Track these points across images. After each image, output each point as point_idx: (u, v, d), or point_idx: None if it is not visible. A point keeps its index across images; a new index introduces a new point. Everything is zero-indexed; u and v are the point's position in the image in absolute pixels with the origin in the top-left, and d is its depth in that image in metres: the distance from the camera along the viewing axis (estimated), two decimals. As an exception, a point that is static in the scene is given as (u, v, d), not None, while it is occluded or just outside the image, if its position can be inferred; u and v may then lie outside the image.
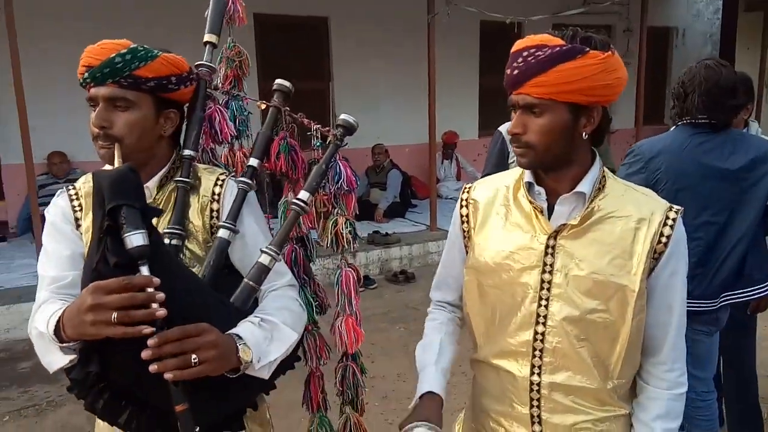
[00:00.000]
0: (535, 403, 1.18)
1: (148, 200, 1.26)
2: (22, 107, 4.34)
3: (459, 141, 7.87)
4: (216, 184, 1.30)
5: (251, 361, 1.08)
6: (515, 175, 1.25)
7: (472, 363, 1.34)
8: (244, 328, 1.12)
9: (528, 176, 1.20)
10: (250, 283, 1.21)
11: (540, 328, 1.16)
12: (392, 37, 7.49)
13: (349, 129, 1.38)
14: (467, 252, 1.29)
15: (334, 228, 1.49)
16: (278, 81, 1.43)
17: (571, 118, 1.09)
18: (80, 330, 0.97)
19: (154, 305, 0.93)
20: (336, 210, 1.50)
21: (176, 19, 5.35)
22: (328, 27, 7.46)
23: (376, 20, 7.41)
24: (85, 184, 1.29)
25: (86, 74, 1.19)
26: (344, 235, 1.49)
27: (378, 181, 6.95)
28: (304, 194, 1.32)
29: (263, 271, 1.22)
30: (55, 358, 1.08)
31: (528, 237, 1.18)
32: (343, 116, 1.37)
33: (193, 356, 0.97)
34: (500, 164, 2.83)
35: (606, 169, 1.19)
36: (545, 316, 1.16)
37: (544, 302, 1.16)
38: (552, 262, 1.15)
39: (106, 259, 0.95)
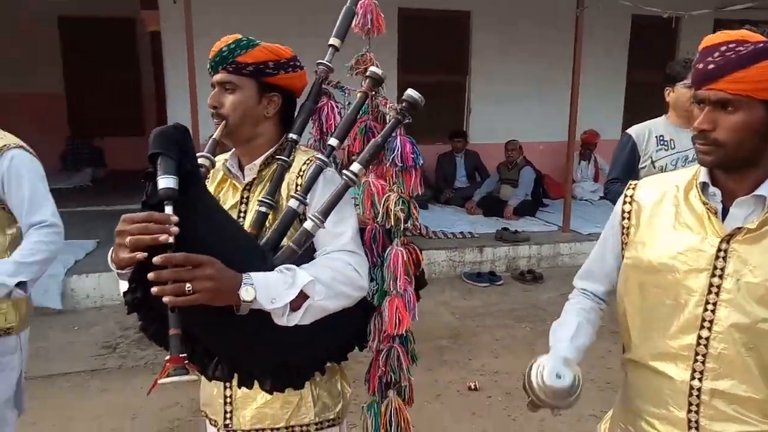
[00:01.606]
0: (693, 408, 1.15)
1: (253, 176, 1.43)
2: (194, 100, 4.87)
3: (599, 141, 7.53)
4: (304, 163, 1.41)
5: (253, 301, 1.13)
6: (687, 174, 1.23)
7: (624, 363, 1.32)
8: (260, 273, 1.17)
9: (703, 176, 1.16)
10: (292, 245, 1.27)
11: (704, 333, 1.13)
12: (536, 31, 7.32)
13: (413, 104, 1.33)
14: (623, 249, 1.28)
15: (385, 203, 1.48)
16: (371, 69, 1.47)
17: (766, 116, 1.05)
18: (115, 254, 1.10)
19: (163, 235, 1.02)
20: (394, 186, 1.48)
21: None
22: (470, 21, 7.46)
23: (520, 14, 7.28)
24: (221, 162, 1.50)
25: (208, 65, 1.42)
26: (393, 212, 1.46)
27: (509, 177, 6.85)
28: (355, 166, 1.31)
29: (305, 236, 1.27)
30: (120, 285, 1.22)
31: (698, 239, 1.14)
32: (408, 91, 1.33)
33: (187, 285, 1.03)
34: (629, 170, 2.69)
35: None
36: (711, 321, 1.12)
37: (710, 306, 1.12)
38: (723, 266, 1.11)
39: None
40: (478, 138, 7.57)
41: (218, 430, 1.48)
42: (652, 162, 2.69)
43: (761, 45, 1.02)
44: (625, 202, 1.29)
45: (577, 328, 1.32)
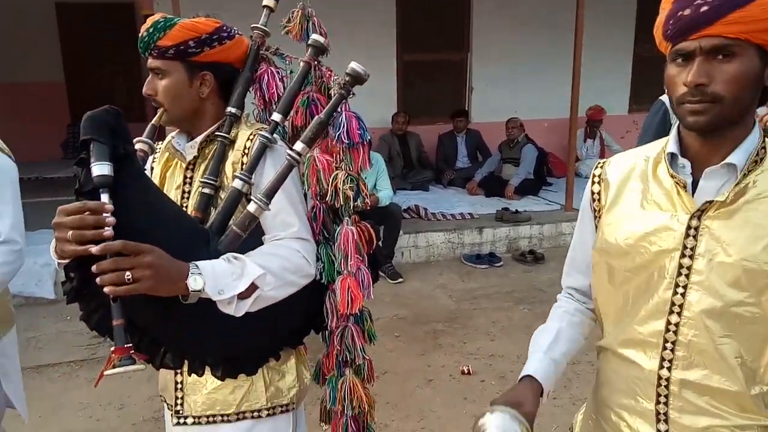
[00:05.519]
0: (662, 399, 1.05)
1: (194, 154, 1.36)
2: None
3: (605, 117, 7.34)
4: (248, 139, 1.34)
5: (202, 290, 1.10)
6: (657, 147, 1.12)
7: (597, 350, 1.24)
8: (207, 261, 1.14)
9: (672, 146, 1.06)
10: (236, 229, 1.21)
11: (674, 318, 1.03)
12: (538, 5, 7.13)
13: (356, 78, 1.26)
14: (597, 233, 1.19)
15: (333, 182, 1.42)
16: (313, 36, 1.39)
17: (760, 65, 0.95)
18: (57, 247, 1.05)
19: (108, 230, 0.99)
20: (342, 164, 1.43)
21: None
22: (470, -4, 7.28)
23: (520, -12, 7.09)
24: (167, 140, 1.44)
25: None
26: (341, 190, 1.41)
27: (511, 156, 6.70)
28: (298, 146, 1.25)
29: (249, 219, 1.21)
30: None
31: (667, 216, 1.04)
32: (352, 64, 1.26)
33: (127, 274, 1.00)
34: (660, 137, 2.56)
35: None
36: (681, 306, 1.02)
37: (680, 290, 1.02)
38: (693, 246, 1.01)
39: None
40: (480, 117, 7.43)
41: (172, 415, 1.45)
42: None
43: None
44: (593, 183, 1.19)
45: (557, 335, 1.24)
